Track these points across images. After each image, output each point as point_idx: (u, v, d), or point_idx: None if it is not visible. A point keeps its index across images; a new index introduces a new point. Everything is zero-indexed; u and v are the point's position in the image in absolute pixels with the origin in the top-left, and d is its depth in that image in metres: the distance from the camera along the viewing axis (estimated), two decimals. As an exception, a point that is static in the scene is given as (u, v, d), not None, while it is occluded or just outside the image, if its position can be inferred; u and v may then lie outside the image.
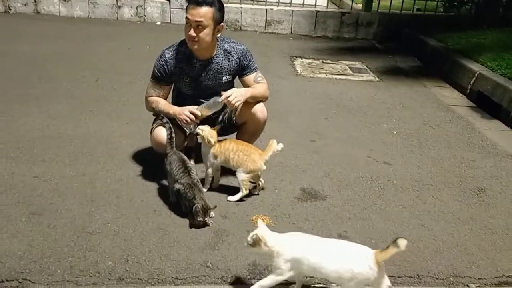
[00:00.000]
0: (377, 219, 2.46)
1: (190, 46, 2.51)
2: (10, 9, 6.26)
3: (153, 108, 2.65)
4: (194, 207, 2.24)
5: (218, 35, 2.55)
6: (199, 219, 2.23)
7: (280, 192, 2.65)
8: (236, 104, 2.51)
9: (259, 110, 2.65)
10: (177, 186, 2.33)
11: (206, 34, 2.46)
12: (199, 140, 2.66)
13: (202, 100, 2.64)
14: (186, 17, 2.47)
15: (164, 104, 2.62)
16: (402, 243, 1.65)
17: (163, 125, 2.53)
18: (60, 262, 1.98)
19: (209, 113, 2.57)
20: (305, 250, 1.78)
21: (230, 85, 2.68)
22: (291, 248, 1.79)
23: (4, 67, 4.38)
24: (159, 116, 2.62)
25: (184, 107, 2.55)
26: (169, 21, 6.45)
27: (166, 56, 2.58)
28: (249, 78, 2.67)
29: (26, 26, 5.80)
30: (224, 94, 2.50)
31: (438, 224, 2.47)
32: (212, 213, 2.32)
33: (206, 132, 2.51)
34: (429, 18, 6.58)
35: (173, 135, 2.48)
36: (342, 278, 1.73)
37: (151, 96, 2.65)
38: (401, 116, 3.94)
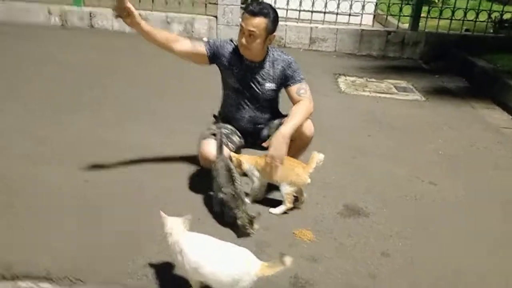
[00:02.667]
0: (420, 239, 2.42)
1: (241, 51, 2.60)
2: (67, 23, 6.60)
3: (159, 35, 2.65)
4: (238, 220, 2.28)
5: (269, 43, 2.62)
6: (246, 231, 2.27)
7: (322, 207, 2.66)
8: (276, 163, 2.48)
9: (307, 127, 2.65)
10: (220, 195, 2.37)
11: (257, 43, 2.54)
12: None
13: (245, 106, 2.70)
14: (241, 24, 2.55)
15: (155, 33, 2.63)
16: (288, 260, 1.66)
17: (213, 134, 2.56)
18: (110, 264, 2.06)
19: None
20: (189, 247, 1.81)
21: (273, 93, 2.71)
22: (182, 239, 1.84)
23: (56, 76, 4.62)
24: (208, 129, 2.68)
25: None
26: (215, 36, 6.61)
27: (229, 41, 2.68)
28: (292, 88, 2.65)
29: (81, 39, 6.09)
30: (268, 152, 2.48)
31: (481, 246, 2.41)
32: (256, 225, 2.35)
33: (235, 163, 2.53)
34: (478, 39, 6.44)
35: (223, 141, 2.52)
36: (221, 282, 1.73)
37: (181, 38, 2.70)
38: (447, 137, 3.86)
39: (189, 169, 2.95)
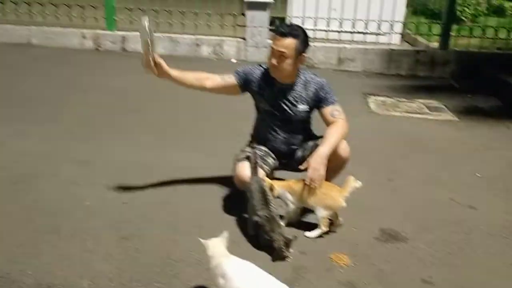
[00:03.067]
0: (464, 266, 2.34)
1: (271, 73, 2.61)
2: (100, 47, 6.80)
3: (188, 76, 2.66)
4: (274, 243, 2.26)
5: (301, 63, 2.62)
6: (283, 254, 2.25)
7: (358, 231, 2.61)
8: (316, 184, 2.46)
9: (343, 149, 2.62)
10: (255, 218, 2.36)
11: (287, 64, 2.54)
12: None
13: (278, 128, 2.71)
14: (271, 45, 2.56)
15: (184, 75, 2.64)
16: None
17: (248, 157, 2.56)
18: (147, 286, 2.07)
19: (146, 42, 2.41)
20: (233, 271, 1.80)
21: (306, 115, 2.71)
22: (225, 262, 1.82)
23: (94, 98, 4.74)
24: (243, 151, 2.70)
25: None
26: (244, 58, 6.69)
27: (256, 67, 2.70)
28: (326, 110, 2.65)
29: (114, 62, 6.25)
30: (307, 174, 2.47)
31: (531, 275, 2.32)
32: (291, 249, 2.33)
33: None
34: (510, 57, 6.32)
35: (258, 162, 2.52)
36: None
37: (209, 75, 2.70)
38: (483, 158, 3.77)
39: (225, 190, 2.96)
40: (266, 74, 2.67)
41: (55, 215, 2.58)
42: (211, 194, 2.92)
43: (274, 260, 2.29)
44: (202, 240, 1.91)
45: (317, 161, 2.45)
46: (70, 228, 2.47)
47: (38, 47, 6.76)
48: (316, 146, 2.70)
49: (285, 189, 2.55)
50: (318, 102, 2.67)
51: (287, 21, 6.55)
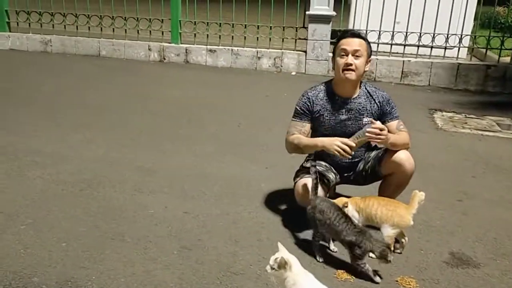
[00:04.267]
0: (544, 297, 2.15)
1: (344, 75, 2.53)
2: (165, 59, 7.02)
3: (295, 145, 2.63)
4: (375, 252, 2.19)
5: (367, 69, 2.60)
6: (387, 258, 2.18)
7: (426, 254, 2.47)
8: (377, 140, 2.44)
9: (407, 160, 2.53)
10: (348, 238, 2.23)
11: (361, 63, 2.52)
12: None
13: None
14: (342, 49, 2.52)
15: (308, 139, 2.63)
16: None
17: (309, 173, 2.50)
18: (207, 298, 2.06)
19: (362, 142, 2.50)
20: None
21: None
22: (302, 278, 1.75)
23: (157, 107, 4.88)
24: (304, 163, 2.65)
25: (333, 138, 2.51)
26: (304, 71, 6.65)
27: (309, 94, 2.66)
28: (392, 124, 2.60)
29: (177, 73, 6.43)
30: (375, 122, 2.43)
31: None
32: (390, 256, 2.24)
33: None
34: None
35: (318, 181, 2.45)
36: None
37: (292, 134, 2.66)
38: (562, 180, 3.48)
39: (285, 204, 2.92)
40: (327, 92, 2.63)
41: (120, 222, 2.65)
42: (270, 207, 2.88)
43: (386, 262, 2.19)
44: (285, 256, 1.82)
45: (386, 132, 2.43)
46: (134, 235, 2.51)
47: (106, 59, 7.09)
48: (378, 155, 2.63)
49: (351, 207, 2.46)
50: (382, 115, 2.61)
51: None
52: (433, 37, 6.27)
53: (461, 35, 6.32)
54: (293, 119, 2.68)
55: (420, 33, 6.27)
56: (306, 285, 1.77)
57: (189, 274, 2.20)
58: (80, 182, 3.12)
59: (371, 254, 2.25)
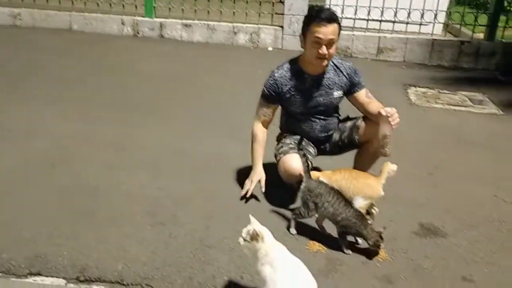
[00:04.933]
0: (509, 266, 2.23)
1: (318, 63, 2.51)
2: (139, 33, 6.86)
3: (252, 136, 2.72)
4: (369, 240, 2.22)
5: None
6: (379, 248, 2.23)
7: (396, 225, 2.53)
8: (395, 122, 2.42)
9: (388, 127, 2.48)
10: (343, 222, 2.23)
11: (334, 50, 2.50)
12: None
13: (313, 119, 2.65)
14: (316, 37, 2.43)
15: (256, 151, 2.68)
16: None
17: (296, 152, 2.50)
18: (180, 272, 2.07)
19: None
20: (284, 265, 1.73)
21: (340, 100, 2.68)
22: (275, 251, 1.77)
23: (131, 82, 4.78)
24: (283, 139, 2.66)
25: (258, 174, 2.63)
26: (281, 47, 6.60)
27: (276, 75, 2.63)
28: (361, 94, 2.64)
29: (152, 48, 6.30)
30: (388, 109, 2.43)
31: None
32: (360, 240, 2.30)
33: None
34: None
35: (309, 163, 2.42)
36: None
37: (258, 118, 2.71)
38: (530, 154, 3.59)
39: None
40: (296, 72, 2.61)
41: (93, 198, 2.62)
42: (247, 183, 2.87)
43: (371, 258, 2.23)
44: (257, 228, 1.83)
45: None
46: (107, 212, 2.50)
47: (78, 33, 6.88)
48: (355, 125, 2.66)
49: (326, 180, 2.48)
50: (351, 86, 2.64)
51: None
52: (409, 13, 6.28)
53: (436, 11, 6.34)
54: (261, 98, 2.70)
55: (396, 9, 6.27)
56: (278, 256, 1.79)
57: (162, 249, 2.21)
58: (51, 158, 3.06)
59: (361, 241, 2.30)
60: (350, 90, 2.64)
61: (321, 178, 2.46)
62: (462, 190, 2.96)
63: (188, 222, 2.43)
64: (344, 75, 2.62)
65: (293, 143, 2.65)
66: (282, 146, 2.69)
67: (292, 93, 2.61)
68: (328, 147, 2.78)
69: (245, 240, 1.83)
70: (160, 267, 2.09)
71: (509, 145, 3.75)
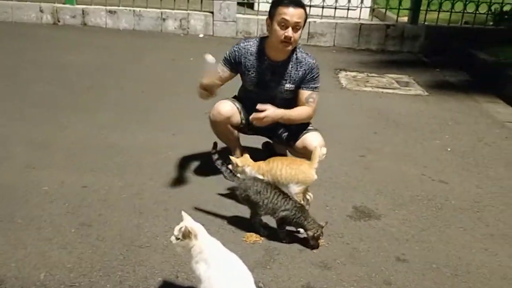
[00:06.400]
0: (436, 242, 2.31)
1: (282, 47, 2.47)
2: (59, 21, 6.44)
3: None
4: (309, 232, 2.17)
5: None
6: (319, 242, 2.19)
7: (331, 210, 2.54)
8: (261, 122, 2.48)
9: (320, 144, 2.51)
10: (283, 213, 2.18)
11: (299, 35, 2.46)
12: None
13: (262, 100, 2.58)
14: (283, 18, 2.41)
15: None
16: None
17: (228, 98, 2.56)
18: (110, 276, 1.94)
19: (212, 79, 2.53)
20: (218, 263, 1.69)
21: (290, 94, 2.63)
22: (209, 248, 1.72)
23: (51, 75, 4.47)
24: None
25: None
26: (212, 33, 6.47)
27: (241, 44, 2.61)
28: (303, 93, 2.59)
29: (74, 37, 5.94)
30: (259, 106, 2.46)
31: (502, 248, 2.31)
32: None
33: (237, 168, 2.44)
34: (478, 32, 6.35)
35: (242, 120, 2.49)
36: None
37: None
38: (453, 132, 3.76)
39: (193, 171, 2.84)
40: (258, 50, 2.58)
41: (9, 201, 2.41)
42: (178, 175, 2.78)
43: (312, 248, 2.19)
44: (188, 225, 1.73)
45: (267, 114, 2.46)
46: (26, 215, 2.30)
47: (-9, 22, 6.35)
48: (303, 129, 2.66)
49: (254, 170, 2.44)
50: (301, 82, 2.60)
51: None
52: (337, -2, 6.37)
53: (363, -4, 6.48)
54: (221, 62, 2.65)
55: (324, -6, 6.33)
56: (212, 253, 1.72)
57: (88, 253, 2.06)
58: (-39, 160, 2.78)
59: (302, 231, 2.25)
60: (299, 85, 2.61)
61: (254, 169, 2.42)
62: (392, 171, 3.03)
63: (117, 221, 2.29)
64: (301, 70, 2.58)
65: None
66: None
67: (249, 69, 2.60)
68: (273, 139, 2.79)
69: (177, 238, 1.74)
70: (87, 273, 1.95)
71: (434, 125, 3.91)
